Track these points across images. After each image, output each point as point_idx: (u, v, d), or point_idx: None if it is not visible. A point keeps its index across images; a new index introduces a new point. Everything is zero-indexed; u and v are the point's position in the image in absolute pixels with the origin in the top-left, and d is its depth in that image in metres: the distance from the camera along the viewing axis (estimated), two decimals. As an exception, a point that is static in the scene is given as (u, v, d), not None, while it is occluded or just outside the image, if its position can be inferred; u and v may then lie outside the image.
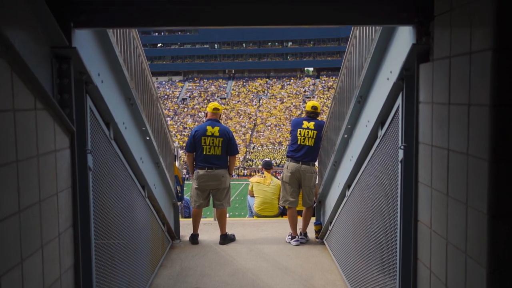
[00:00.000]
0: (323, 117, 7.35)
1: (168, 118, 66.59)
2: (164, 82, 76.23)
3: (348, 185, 4.48)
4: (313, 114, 6.12)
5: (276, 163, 50.79)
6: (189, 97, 72.19)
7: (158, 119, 4.97)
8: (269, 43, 76.85)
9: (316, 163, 6.15)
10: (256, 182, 7.90)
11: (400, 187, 2.79)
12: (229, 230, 6.28)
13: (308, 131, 5.97)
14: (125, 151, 3.65)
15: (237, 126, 63.66)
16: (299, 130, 6.01)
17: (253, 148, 59.10)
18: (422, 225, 2.49)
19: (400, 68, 2.73)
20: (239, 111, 67.20)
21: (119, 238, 3.47)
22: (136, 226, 4.03)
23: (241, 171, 52.58)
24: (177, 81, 76.81)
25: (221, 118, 6.29)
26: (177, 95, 72.81)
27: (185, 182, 8.11)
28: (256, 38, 74.93)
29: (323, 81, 72.21)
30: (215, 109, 6.18)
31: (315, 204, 6.29)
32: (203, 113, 68.20)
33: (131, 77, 3.66)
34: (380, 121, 3.34)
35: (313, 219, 6.36)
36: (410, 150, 2.64)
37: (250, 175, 49.97)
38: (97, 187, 2.91)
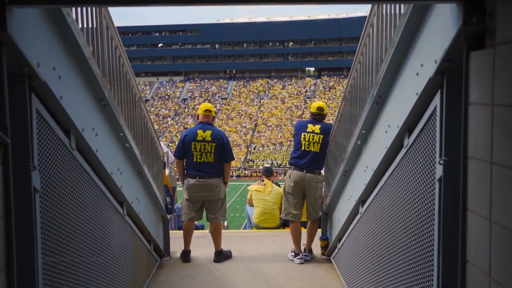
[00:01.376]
0: (329, 119, 6.67)
1: (168, 118, 66.05)
2: (165, 82, 75.62)
3: (362, 201, 3.83)
4: (318, 116, 5.50)
5: (277, 163, 50.16)
6: (190, 97, 71.57)
7: (142, 123, 4.31)
8: (270, 43, 76.23)
9: (322, 171, 5.51)
10: (256, 190, 7.22)
11: (438, 214, 2.15)
12: (225, 245, 5.64)
13: (313, 136, 5.36)
14: (94, 162, 3.00)
15: (238, 126, 63.04)
16: (303, 134, 5.40)
17: (254, 148, 58.46)
18: (473, 269, 1.85)
19: (438, 60, 2.09)
20: (240, 111, 66.56)
21: (87, 273, 2.83)
22: (111, 253, 3.38)
23: (242, 172, 51.98)
24: (178, 81, 76.21)
25: (214, 120, 5.64)
26: (178, 95, 72.18)
27: (178, 189, 7.44)
28: (257, 38, 74.27)
29: (324, 81, 71.54)
30: (207, 110, 5.53)
31: (321, 215, 5.65)
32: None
33: (103, 74, 3.02)
34: (407, 127, 2.69)
35: (318, 232, 5.71)
36: (454, 166, 2.00)
37: (251, 176, 49.44)
38: (50, 213, 2.27)
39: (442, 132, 2.11)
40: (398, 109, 2.79)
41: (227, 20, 77.92)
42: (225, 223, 8.47)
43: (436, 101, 2.19)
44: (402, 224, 2.74)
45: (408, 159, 2.67)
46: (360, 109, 3.60)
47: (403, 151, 2.75)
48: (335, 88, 68.54)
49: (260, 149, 57.85)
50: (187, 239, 5.49)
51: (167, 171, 6.76)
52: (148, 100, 70.75)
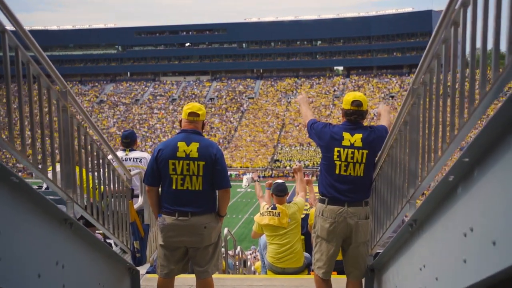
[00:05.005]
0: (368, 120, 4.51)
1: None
2: (192, 82, 75.70)
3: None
4: (355, 116, 3.72)
5: (305, 164, 49.48)
6: (217, 96, 71.42)
7: (67, 133, 3.10)
8: (298, 42, 75.48)
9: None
10: (267, 224, 5.14)
11: None
12: None
13: (352, 152, 3.64)
14: None
15: (265, 126, 62.54)
16: (336, 150, 3.66)
17: (281, 148, 57.86)
18: None
19: None
20: (267, 110, 66.05)
21: None
22: None
23: (268, 172, 51.46)
24: (205, 80, 76.17)
25: (204, 128, 3.91)
26: (204, 95, 72.12)
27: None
28: (284, 37, 73.61)
29: (353, 81, 70.43)
30: (192, 114, 3.75)
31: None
32: (230, 113, 68.43)
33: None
34: None
35: None
36: None
37: (278, 176, 48.75)
38: None
39: None
40: None
41: (254, 19, 77.45)
42: (226, 230, 7.25)
43: None
44: None
45: None
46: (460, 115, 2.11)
47: None
48: (364, 87, 67.36)
49: (287, 149, 57.20)
50: None
51: (139, 201, 5.05)
52: (175, 99, 70.91)
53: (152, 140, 61.17)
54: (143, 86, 75.41)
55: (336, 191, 3.68)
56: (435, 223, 2.26)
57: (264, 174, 50.79)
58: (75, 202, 3.03)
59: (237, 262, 8.33)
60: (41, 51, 2.78)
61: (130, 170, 5.14)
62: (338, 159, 3.67)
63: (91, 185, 3.45)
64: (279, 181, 5.48)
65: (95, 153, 3.59)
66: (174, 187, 3.61)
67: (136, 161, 5.61)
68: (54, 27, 79.41)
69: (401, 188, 3.10)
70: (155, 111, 68.97)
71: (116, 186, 4.15)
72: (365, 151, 3.64)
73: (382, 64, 71.01)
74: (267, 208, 5.22)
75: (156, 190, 3.75)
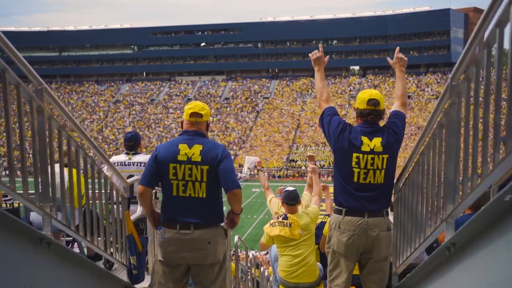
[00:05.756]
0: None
1: (210, 118, 65.91)
2: (207, 82, 75.66)
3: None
4: (373, 117, 3.39)
5: (320, 164, 49.02)
6: (232, 96, 71.29)
7: (42, 138, 2.70)
8: (314, 41, 74.92)
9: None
10: (278, 236, 4.67)
11: None
12: None
13: (373, 158, 3.31)
14: None
15: (280, 126, 62.23)
16: (355, 156, 3.32)
17: (297, 148, 57.50)
18: None
19: None
20: (282, 110, 65.72)
21: None
22: None
23: (283, 172, 51.16)
24: (220, 80, 76.08)
25: (209, 129, 3.55)
26: (219, 94, 72.04)
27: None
28: (300, 36, 73.17)
29: (369, 80, 69.71)
30: (194, 114, 3.38)
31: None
32: (245, 112, 68.30)
33: None
34: None
35: None
36: None
37: (294, 176, 48.49)
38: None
39: None
40: None
41: (270, 19, 77.12)
42: (236, 238, 6.49)
43: None
44: None
45: None
46: None
47: None
48: (380, 86, 66.65)
49: (303, 149, 56.82)
50: None
51: (137, 211, 4.52)
52: (191, 99, 71.01)
53: (168, 139, 61.27)
54: (159, 86, 75.57)
55: (355, 201, 3.33)
56: (482, 249, 1.87)
57: (280, 174, 50.50)
58: (53, 218, 2.57)
59: (248, 264, 8.08)
60: (4, 39, 2.33)
61: (132, 176, 4.84)
62: (356, 166, 3.32)
63: (81, 196, 3.16)
64: (290, 188, 4.93)
65: (82, 160, 3.20)
66: (175, 193, 3.24)
67: (140, 165, 5.20)
68: (71, 28, 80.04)
69: (435, 202, 2.70)
70: (171, 111, 69.07)
71: (110, 195, 3.77)
72: (385, 156, 3.33)
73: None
74: (278, 218, 4.77)
75: (150, 192, 3.37)
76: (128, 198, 4.19)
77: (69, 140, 3.00)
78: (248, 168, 6.04)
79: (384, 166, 3.32)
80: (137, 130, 62.77)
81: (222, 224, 3.41)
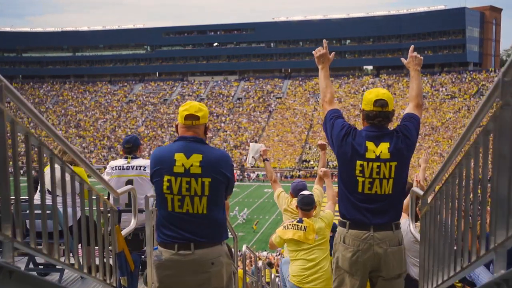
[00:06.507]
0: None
1: (223, 117, 65.87)
2: (219, 82, 75.63)
3: None
4: (381, 120, 3.06)
5: (332, 165, 48.65)
6: (245, 96, 71.16)
7: (2, 144, 2.02)
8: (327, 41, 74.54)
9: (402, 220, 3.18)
10: (291, 239, 4.38)
11: None
12: None
13: (379, 166, 3.00)
14: None
15: (292, 126, 61.95)
16: (359, 164, 3.02)
17: (309, 148, 57.18)
18: None
19: None
20: (295, 110, 65.43)
21: None
22: None
23: (296, 172, 50.88)
24: (232, 80, 76.00)
25: (207, 132, 3.06)
26: (232, 94, 71.95)
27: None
28: (313, 36, 72.83)
29: (383, 80, 69.12)
30: (190, 117, 2.94)
31: None
32: (257, 112, 68.11)
33: None
34: None
35: None
36: None
37: (306, 177, 48.18)
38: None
39: None
40: None
41: (283, 19, 76.86)
42: (244, 247, 5.95)
43: None
44: None
45: None
46: None
47: None
48: (394, 86, 66.04)
49: (315, 149, 56.48)
50: None
51: (131, 224, 4.11)
52: (203, 99, 71.01)
53: (180, 139, 61.30)
54: (171, 86, 75.72)
55: (359, 213, 3.02)
56: None
57: (292, 175, 50.22)
58: (16, 241, 2.07)
59: (259, 264, 7.83)
60: None
61: (131, 180, 4.62)
62: (361, 174, 3.00)
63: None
64: (306, 192, 4.56)
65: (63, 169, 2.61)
66: (170, 208, 2.81)
67: (140, 169, 4.91)
68: (85, 28, 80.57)
69: (477, 223, 2.18)
70: (183, 110, 69.17)
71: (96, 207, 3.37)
72: (394, 164, 2.99)
73: (413, 63, 69.39)
74: (292, 222, 4.47)
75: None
76: (118, 210, 3.69)
77: (40, 148, 2.38)
78: (252, 157, 5.44)
79: (392, 175, 2.99)
80: (150, 130, 62.94)
81: (226, 241, 3.05)
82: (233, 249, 5.12)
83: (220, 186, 2.87)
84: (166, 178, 2.81)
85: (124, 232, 3.75)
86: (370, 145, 3.01)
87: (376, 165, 2.98)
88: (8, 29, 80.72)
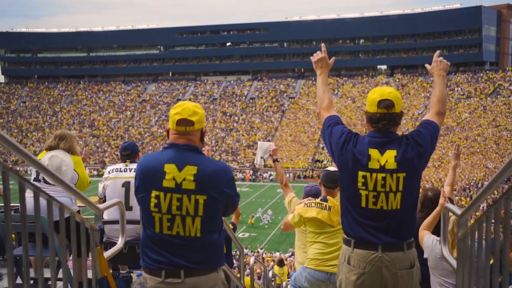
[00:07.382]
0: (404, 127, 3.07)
1: (236, 117, 65.75)
2: (232, 81, 75.52)
3: None
4: (386, 123, 2.69)
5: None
6: (258, 96, 70.96)
7: None
8: (340, 41, 74.08)
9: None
10: (314, 218, 3.81)
11: None
12: None
13: (384, 178, 2.63)
14: None
15: (305, 126, 61.61)
16: (361, 175, 2.66)
17: (322, 148, 56.81)
18: None
19: None
20: (308, 110, 65.06)
21: None
22: None
23: (309, 173, 50.54)
24: (245, 80, 75.83)
25: (204, 138, 2.59)
26: (245, 94, 71.79)
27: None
28: (326, 36, 72.40)
29: (397, 80, 68.43)
30: (182, 122, 2.48)
31: None
32: (270, 112, 67.82)
33: None
34: None
35: None
36: None
37: (319, 177, 47.50)
38: None
39: None
40: None
41: (296, 18, 76.51)
42: (252, 260, 5.83)
43: None
44: None
45: None
46: None
47: None
48: (408, 86, 65.36)
49: (329, 149, 56.19)
50: None
51: (118, 243, 3.52)
52: (216, 99, 70.94)
53: (193, 139, 61.35)
54: (184, 86, 75.80)
55: (364, 231, 2.65)
56: None
57: (305, 175, 49.91)
58: None
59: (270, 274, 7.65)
60: None
61: (128, 182, 4.32)
62: (363, 187, 2.63)
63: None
64: (331, 168, 4.00)
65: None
66: (157, 230, 2.39)
67: None
68: (99, 28, 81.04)
69: None
70: (196, 110, 69.21)
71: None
72: (402, 175, 2.61)
73: (427, 62, 68.57)
74: (314, 201, 3.91)
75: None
76: (100, 229, 3.12)
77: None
78: (261, 157, 4.94)
79: (401, 188, 2.61)
80: (163, 130, 63.01)
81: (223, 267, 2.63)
82: (236, 262, 4.72)
83: (218, 205, 2.44)
84: (154, 193, 2.39)
85: (107, 254, 3.23)
86: (373, 153, 2.64)
87: (381, 176, 2.62)
88: (24, 29, 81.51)
